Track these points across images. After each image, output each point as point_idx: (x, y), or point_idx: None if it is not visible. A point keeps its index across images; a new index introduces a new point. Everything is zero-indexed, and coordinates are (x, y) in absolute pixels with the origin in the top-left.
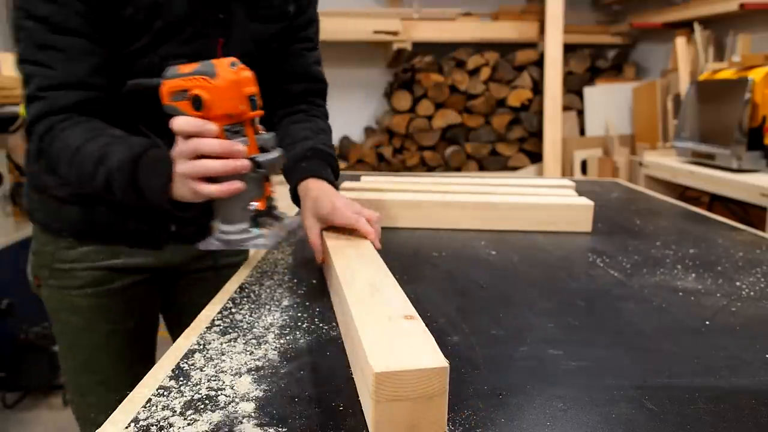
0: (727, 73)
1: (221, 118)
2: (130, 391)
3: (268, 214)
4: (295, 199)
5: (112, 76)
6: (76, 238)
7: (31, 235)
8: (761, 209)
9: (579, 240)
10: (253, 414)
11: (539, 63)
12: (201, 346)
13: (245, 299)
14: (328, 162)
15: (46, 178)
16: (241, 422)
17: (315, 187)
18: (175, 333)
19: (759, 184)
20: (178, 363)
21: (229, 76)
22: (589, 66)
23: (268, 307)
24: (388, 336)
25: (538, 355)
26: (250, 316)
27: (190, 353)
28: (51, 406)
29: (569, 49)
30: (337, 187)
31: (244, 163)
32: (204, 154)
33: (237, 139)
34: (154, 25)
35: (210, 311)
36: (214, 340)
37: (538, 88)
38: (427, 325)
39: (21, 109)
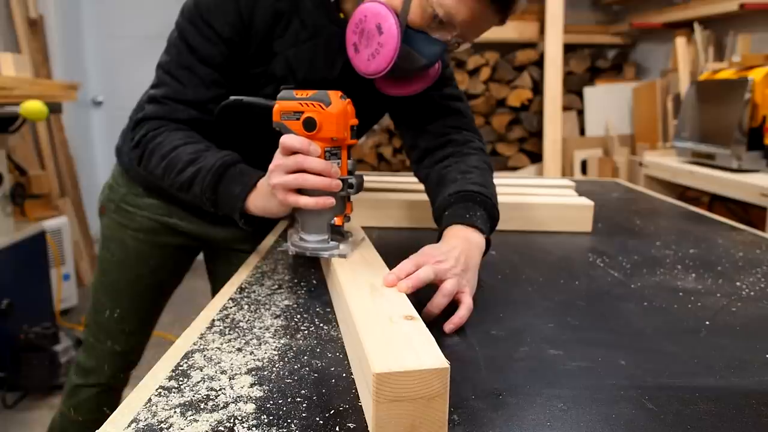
0: (727, 73)
1: (326, 140)
2: (134, 324)
3: (337, 231)
4: None
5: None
6: (146, 191)
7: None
8: (761, 209)
9: (579, 240)
10: (253, 414)
11: (539, 63)
12: (201, 346)
13: (245, 299)
14: (474, 201)
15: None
16: (241, 422)
17: (453, 235)
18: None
19: (759, 184)
20: (178, 363)
21: (339, 106)
22: (589, 66)
23: (268, 307)
24: (389, 336)
25: (538, 355)
26: (250, 316)
27: (190, 353)
28: (51, 406)
29: (569, 49)
30: (489, 240)
31: (337, 182)
32: (305, 169)
33: (333, 160)
34: (267, 89)
35: (210, 311)
36: (214, 340)
37: (538, 88)
38: (427, 326)
39: (21, 109)
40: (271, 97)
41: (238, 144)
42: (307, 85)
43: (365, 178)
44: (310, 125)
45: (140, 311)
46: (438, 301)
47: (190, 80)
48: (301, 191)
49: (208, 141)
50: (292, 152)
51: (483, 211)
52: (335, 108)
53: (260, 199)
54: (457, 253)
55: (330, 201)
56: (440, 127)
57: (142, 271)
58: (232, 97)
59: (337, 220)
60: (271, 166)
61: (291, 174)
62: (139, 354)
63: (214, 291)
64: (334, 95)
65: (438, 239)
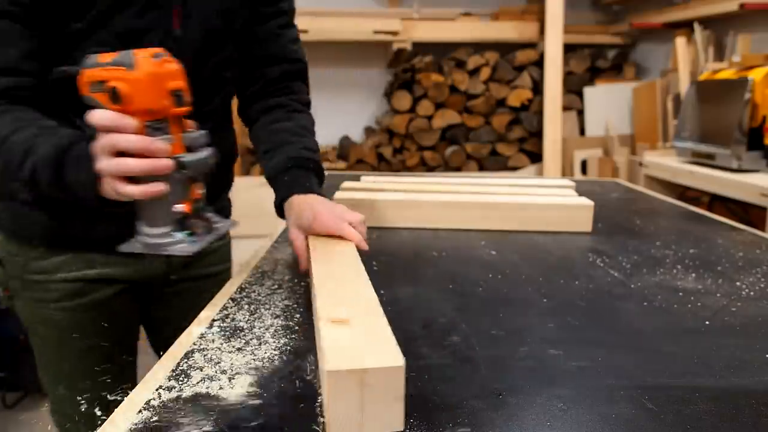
0: (727, 73)
1: (141, 113)
2: (107, 406)
3: (198, 217)
4: (280, 213)
5: (47, 61)
6: (48, 247)
7: None
8: (761, 209)
9: (579, 240)
10: (253, 414)
11: (539, 63)
12: (201, 346)
13: (245, 299)
14: (310, 169)
15: (9, 181)
16: (241, 422)
17: (298, 201)
18: (159, 347)
19: (759, 184)
20: (178, 363)
21: (149, 68)
22: (589, 66)
23: (268, 307)
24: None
25: (538, 355)
26: (250, 316)
27: (190, 353)
28: None
29: (569, 49)
30: (322, 192)
31: (165, 163)
32: (121, 150)
33: (159, 136)
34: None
35: (210, 311)
36: (214, 340)
37: (538, 88)
38: (427, 326)
39: None
40: (114, 10)
41: (82, 113)
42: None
43: (365, 178)
44: (114, 97)
45: (109, 377)
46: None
47: None
48: (132, 177)
49: (41, 111)
50: (106, 131)
51: (314, 177)
52: (141, 71)
53: (104, 185)
54: (329, 204)
55: (158, 188)
56: (279, 73)
57: (91, 343)
58: (56, 70)
59: (184, 207)
60: (93, 149)
61: (110, 158)
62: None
63: (160, 338)
64: (144, 55)
65: (280, 204)
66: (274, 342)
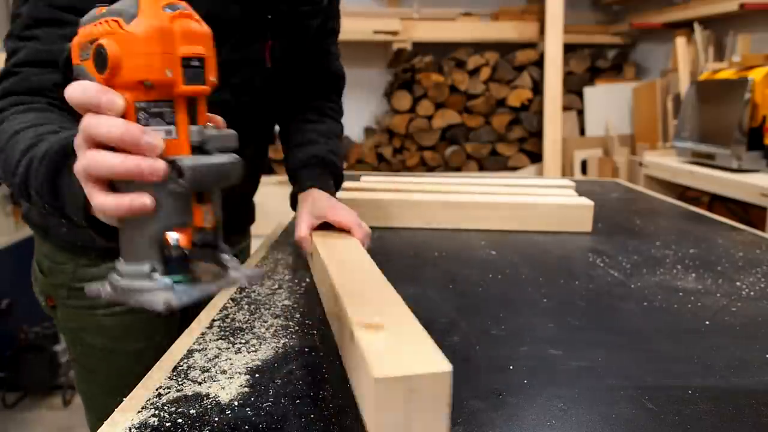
0: (727, 73)
1: (133, 86)
2: None
3: (209, 256)
4: (294, 203)
5: None
6: (99, 254)
7: (31, 236)
8: (761, 209)
9: (579, 240)
10: (252, 414)
11: (539, 63)
12: (201, 347)
13: (245, 299)
14: (331, 171)
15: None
16: (242, 422)
17: (317, 193)
18: None
19: (759, 184)
20: (178, 363)
21: (153, 21)
22: (589, 66)
23: (268, 307)
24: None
25: (538, 355)
26: (250, 316)
27: (190, 353)
28: (51, 406)
29: (569, 49)
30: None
31: (155, 165)
32: (98, 140)
33: (155, 125)
34: None
35: (210, 311)
36: (213, 340)
37: (538, 88)
38: (427, 326)
39: None
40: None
41: None
42: (227, 31)
43: (365, 178)
44: (99, 60)
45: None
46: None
47: (50, 34)
48: (114, 184)
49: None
50: (84, 112)
51: (332, 179)
52: (142, 25)
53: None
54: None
55: (140, 202)
56: (317, 87)
57: (141, 346)
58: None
59: (180, 238)
60: (75, 141)
61: (85, 151)
62: None
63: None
64: (152, 3)
65: (295, 196)
66: (273, 342)
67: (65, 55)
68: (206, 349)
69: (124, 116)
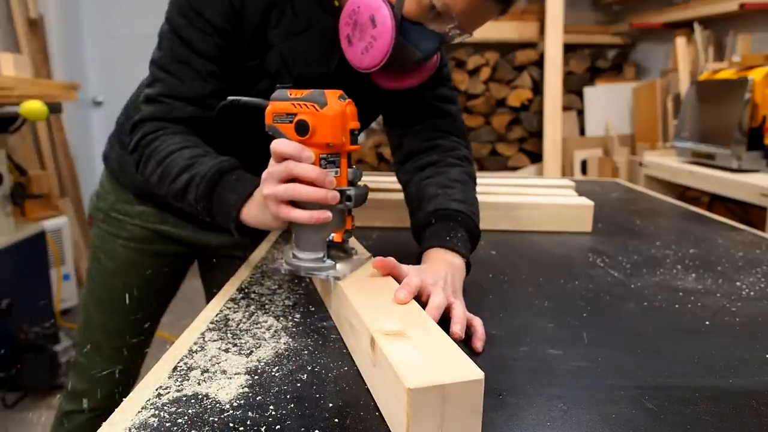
0: (727, 73)
1: (321, 146)
2: (128, 340)
3: (339, 247)
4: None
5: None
6: (138, 197)
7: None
8: (761, 209)
9: (579, 240)
10: (252, 414)
11: (539, 63)
12: (200, 347)
13: (245, 299)
14: (457, 221)
15: (127, 136)
16: (241, 422)
17: (436, 254)
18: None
19: (759, 184)
20: (178, 363)
21: (336, 108)
22: (589, 66)
23: (268, 307)
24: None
25: (538, 355)
26: (250, 316)
27: (190, 353)
28: (51, 406)
29: (569, 49)
30: (465, 250)
31: (334, 194)
32: (297, 177)
33: (331, 169)
34: (262, 85)
35: (210, 311)
36: (213, 340)
37: (538, 88)
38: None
39: (21, 109)
40: (267, 94)
41: (238, 148)
42: (303, 81)
43: (365, 178)
44: (302, 129)
45: (135, 325)
46: (434, 315)
47: (187, 74)
48: (295, 203)
49: (209, 144)
50: (283, 159)
51: (464, 232)
52: (331, 110)
53: (255, 210)
54: (444, 275)
55: (325, 215)
56: (428, 129)
57: (136, 282)
58: (230, 98)
59: (335, 236)
60: (263, 174)
61: (282, 184)
62: (136, 372)
63: (209, 297)
64: (332, 95)
65: (418, 260)
66: (273, 342)
67: (227, 102)
68: (206, 349)
69: (313, 163)
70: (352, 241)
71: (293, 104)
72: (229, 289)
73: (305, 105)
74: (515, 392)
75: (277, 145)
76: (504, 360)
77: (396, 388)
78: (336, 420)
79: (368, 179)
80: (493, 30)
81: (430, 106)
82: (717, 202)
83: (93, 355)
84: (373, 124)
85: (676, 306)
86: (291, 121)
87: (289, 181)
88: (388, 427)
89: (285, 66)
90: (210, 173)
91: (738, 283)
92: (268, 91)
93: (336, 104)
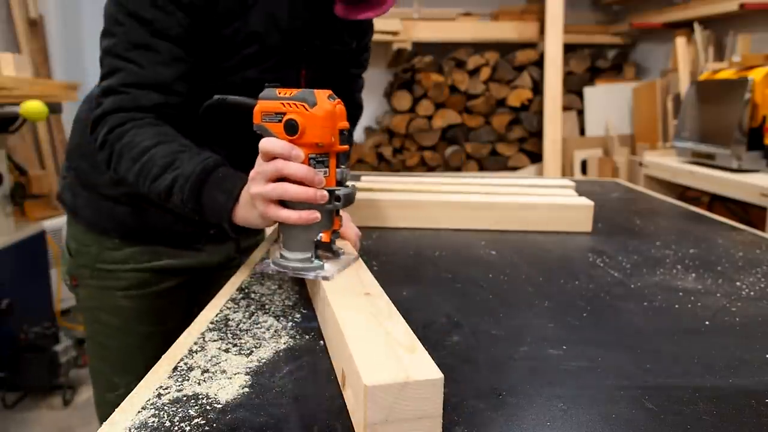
0: (727, 73)
1: (310, 146)
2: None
3: (327, 247)
4: None
5: (195, 86)
6: (123, 239)
7: (68, 228)
8: (761, 209)
9: (579, 240)
10: (252, 415)
11: (539, 63)
12: (200, 347)
13: (245, 300)
14: None
15: (96, 175)
16: (241, 423)
17: None
18: None
19: (759, 184)
20: (178, 363)
21: (326, 107)
22: (589, 66)
23: (268, 307)
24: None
25: (538, 355)
26: (250, 316)
27: (190, 353)
28: (51, 406)
29: (569, 49)
30: None
31: (323, 193)
32: (286, 176)
33: (320, 169)
34: (246, 50)
35: (210, 311)
36: (213, 340)
37: (538, 88)
38: (427, 326)
39: (21, 109)
40: (255, 59)
41: (225, 145)
42: (291, 34)
43: (365, 178)
44: (291, 128)
45: (159, 356)
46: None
47: (148, 60)
48: (284, 203)
49: (179, 132)
50: (272, 157)
51: None
52: (321, 109)
53: (242, 209)
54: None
55: (314, 216)
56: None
57: (152, 329)
58: (216, 97)
59: (323, 236)
60: (251, 173)
61: (270, 183)
62: None
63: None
64: (321, 95)
65: None
66: (273, 342)
67: (213, 101)
68: (206, 349)
69: (302, 163)
70: (340, 241)
71: (282, 103)
72: (229, 289)
73: (295, 104)
74: (515, 392)
75: (266, 144)
76: (504, 360)
77: (357, 385)
78: (337, 420)
79: (368, 179)
80: (493, 30)
81: (352, 97)
82: (717, 202)
83: (119, 399)
84: (374, 125)
85: (676, 306)
86: (280, 121)
87: (278, 180)
88: None
89: (273, 21)
90: (195, 173)
91: (738, 283)
92: (255, 56)
93: (326, 104)
